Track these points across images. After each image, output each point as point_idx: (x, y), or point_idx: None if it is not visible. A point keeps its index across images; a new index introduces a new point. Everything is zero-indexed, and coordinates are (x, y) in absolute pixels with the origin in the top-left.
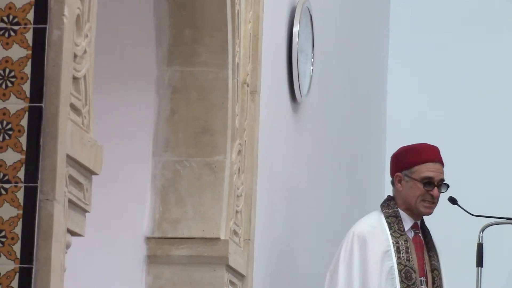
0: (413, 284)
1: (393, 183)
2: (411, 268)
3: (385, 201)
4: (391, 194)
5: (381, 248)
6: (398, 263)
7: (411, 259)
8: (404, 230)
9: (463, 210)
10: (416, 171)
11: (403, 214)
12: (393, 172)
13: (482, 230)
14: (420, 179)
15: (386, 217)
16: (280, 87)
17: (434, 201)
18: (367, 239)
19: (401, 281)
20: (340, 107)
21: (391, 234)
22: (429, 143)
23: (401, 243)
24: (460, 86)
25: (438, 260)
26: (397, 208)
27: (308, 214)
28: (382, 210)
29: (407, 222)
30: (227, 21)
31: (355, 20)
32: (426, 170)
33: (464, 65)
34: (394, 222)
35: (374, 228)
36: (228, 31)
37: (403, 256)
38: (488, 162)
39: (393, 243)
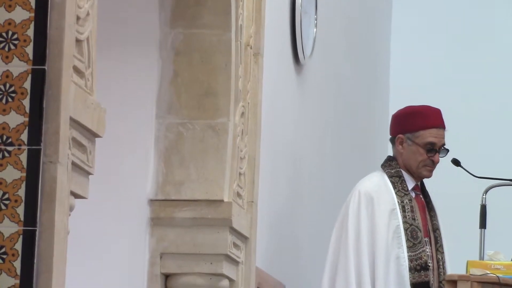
0: (419, 242)
1: (393, 142)
2: (417, 227)
3: (386, 161)
4: (391, 154)
5: (387, 206)
6: (404, 222)
7: (416, 218)
8: (407, 189)
9: (466, 172)
10: (420, 136)
11: (405, 175)
12: (395, 132)
13: (486, 191)
14: (423, 145)
15: (390, 177)
16: (283, 49)
17: (434, 166)
18: (373, 197)
19: (407, 240)
20: (343, 69)
21: (395, 193)
22: (432, 104)
23: (406, 202)
24: (464, 47)
25: (438, 221)
26: (399, 168)
27: (311, 175)
28: (384, 170)
29: (410, 183)
30: None
31: None
32: (430, 136)
33: (468, 26)
34: (397, 181)
35: (379, 186)
36: None
37: (408, 215)
38: (491, 124)
39: (398, 202)
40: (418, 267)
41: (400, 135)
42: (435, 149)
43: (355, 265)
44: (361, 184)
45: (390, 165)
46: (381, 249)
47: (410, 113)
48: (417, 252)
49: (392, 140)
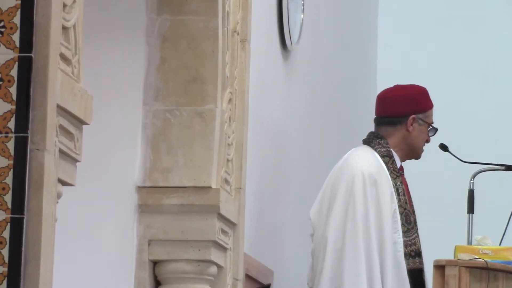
0: (412, 228)
1: (395, 122)
2: (409, 210)
3: (373, 138)
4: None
5: (388, 189)
6: (399, 206)
7: (407, 202)
8: (398, 171)
9: (454, 157)
10: (429, 116)
11: (394, 155)
12: (404, 112)
13: (473, 176)
14: (430, 123)
15: (381, 156)
16: (270, 35)
17: None
18: (376, 179)
19: (402, 224)
20: (330, 55)
21: (389, 175)
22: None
23: (399, 185)
24: (452, 29)
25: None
26: (389, 147)
27: (298, 161)
28: (374, 148)
29: (397, 163)
30: None
31: None
32: (431, 115)
33: (457, 7)
34: (388, 162)
35: (378, 167)
36: None
37: (402, 198)
38: (479, 108)
39: (393, 184)
40: (412, 253)
41: (414, 115)
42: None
43: (365, 251)
44: (358, 164)
45: (380, 144)
46: (388, 234)
47: (420, 93)
48: (412, 238)
49: (396, 119)
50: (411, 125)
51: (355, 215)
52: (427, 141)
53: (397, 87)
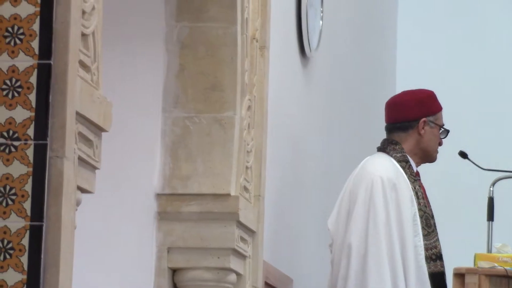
0: (433, 231)
1: (407, 127)
2: (429, 214)
3: (388, 144)
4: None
5: (408, 193)
6: (419, 209)
7: (426, 205)
8: (415, 175)
9: (473, 164)
10: (439, 118)
11: (410, 160)
12: (414, 117)
13: (493, 184)
14: (441, 125)
15: (398, 162)
16: (289, 42)
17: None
18: (395, 183)
19: (422, 228)
20: (349, 61)
21: (408, 179)
22: (439, 95)
23: (417, 188)
24: (472, 34)
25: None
26: (405, 152)
27: (317, 169)
28: (390, 154)
29: (414, 168)
30: None
31: None
32: (441, 117)
33: (477, 15)
34: (405, 167)
35: (396, 172)
36: None
37: (421, 202)
38: (499, 115)
39: (412, 188)
40: (433, 256)
41: (424, 118)
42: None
43: (388, 256)
44: (376, 169)
45: (395, 149)
46: (410, 238)
47: (427, 96)
48: (432, 241)
49: (407, 124)
50: (423, 128)
51: (376, 220)
52: (440, 144)
53: (405, 93)
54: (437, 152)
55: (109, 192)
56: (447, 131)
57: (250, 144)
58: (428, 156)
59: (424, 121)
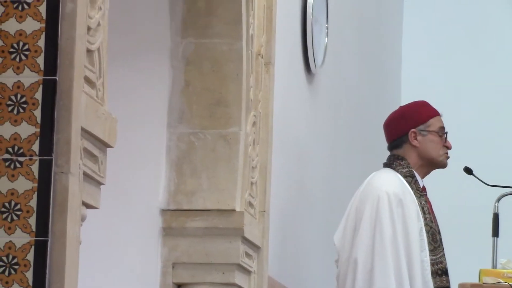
0: (438, 246)
1: (400, 143)
2: (435, 229)
3: (394, 160)
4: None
5: (414, 207)
6: (425, 224)
7: (433, 220)
8: (421, 190)
9: (478, 180)
10: (432, 124)
11: (416, 175)
12: (404, 130)
13: (498, 200)
14: (438, 130)
15: (404, 177)
16: (294, 58)
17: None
18: (401, 199)
19: (428, 243)
20: (354, 78)
21: (413, 194)
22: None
23: (424, 203)
24: (476, 53)
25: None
26: (411, 167)
27: (323, 184)
28: (396, 169)
29: (420, 183)
30: None
31: None
32: (438, 122)
33: (479, 31)
34: (411, 182)
35: (402, 187)
36: (242, 2)
37: (427, 217)
38: (503, 131)
39: (418, 203)
40: (439, 271)
41: (413, 130)
42: (445, 134)
43: (394, 271)
44: (382, 185)
45: (401, 165)
46: (416, 253)
47: (412, 108)
48: (438, 256)
49: (399, 140)
50: (415, 139)
51: (383, 236)
52: (447, 147)
53: (394, 111)
54: (444, 156)
55: (114, 207)
56: (445, 133)
57: (255, 160)
58: (435, 163)
59: (414, 132)
